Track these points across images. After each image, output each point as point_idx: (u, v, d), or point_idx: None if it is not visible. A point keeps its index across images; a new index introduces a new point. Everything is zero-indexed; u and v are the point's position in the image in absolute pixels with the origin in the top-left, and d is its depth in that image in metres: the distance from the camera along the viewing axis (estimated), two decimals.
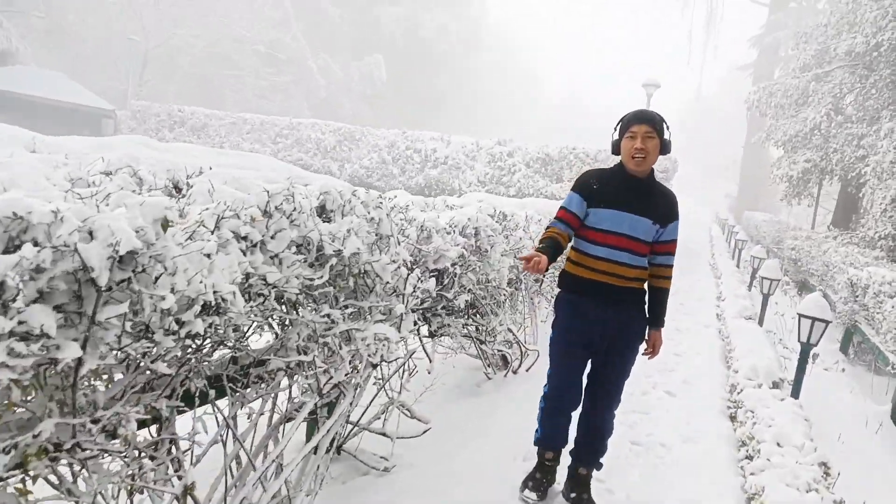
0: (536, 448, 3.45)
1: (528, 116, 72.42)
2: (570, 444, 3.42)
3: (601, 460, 3.38)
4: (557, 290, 3.37)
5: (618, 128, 3.11)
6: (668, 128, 3.04)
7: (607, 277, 3.04)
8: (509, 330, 5.10)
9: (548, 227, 3.12)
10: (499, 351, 5.09)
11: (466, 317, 4.61)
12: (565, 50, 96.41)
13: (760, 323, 7.86)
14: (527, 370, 5.57)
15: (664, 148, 3.02)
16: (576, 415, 3.36)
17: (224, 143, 23.86)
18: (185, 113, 25.35)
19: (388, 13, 48.27)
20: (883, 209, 12.16)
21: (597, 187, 3.07)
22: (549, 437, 3.36)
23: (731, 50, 49.27)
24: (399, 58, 48.94)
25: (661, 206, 3.07)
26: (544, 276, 3.31)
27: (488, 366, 5.34)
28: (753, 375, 4.99)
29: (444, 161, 21.29)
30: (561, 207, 3.16)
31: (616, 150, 3.11)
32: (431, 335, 4.41)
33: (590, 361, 3.27)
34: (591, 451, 3.33)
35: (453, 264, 3.73)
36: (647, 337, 3.24)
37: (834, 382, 7.65)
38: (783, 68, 34.14)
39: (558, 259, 3.07)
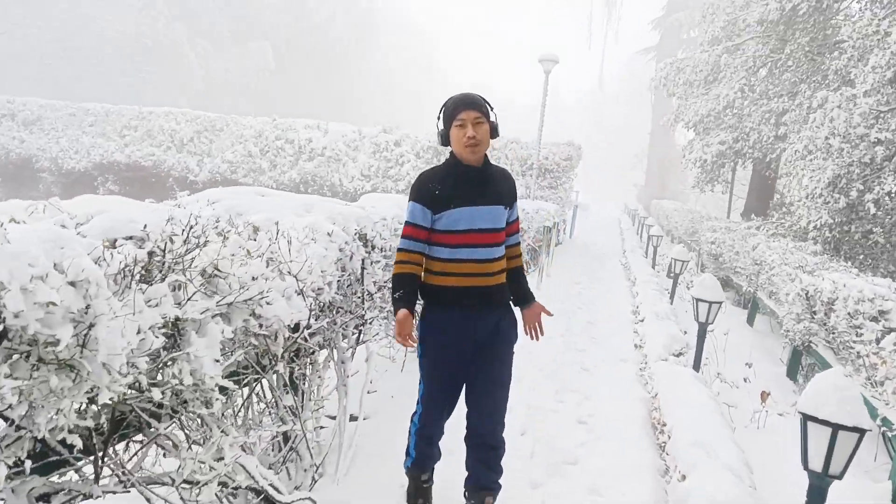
0: (409, 474, 3.15)
1: (432, 110, 69.96)
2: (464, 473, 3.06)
3: (500, 481, 3.03)
4: (421, 304, 2.97)
5: (440, 116, 2.85)
6: (492, 109, 2.84)
7: (475, 280, 2.81)
8: (243, 467, 2.51)
9: (397, 257, 2.88)
10: None
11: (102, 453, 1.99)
12: (469, 41, 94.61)
13: (697, 366, 5.51)
14: None
15: (493, 131, 2.84)
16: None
17: (61, 138, 20.21)
18: (16, 105, 21.21)
19: None
20: (818, 194, 10.23)
21: (439, 190, 2.79)
22: (422, 460, 3.07)
23: (634, 36, 48.34)
24: (287, 47, 45.45)
25: (506, 189, 2.93)
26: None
27: None
28: None
29: (322, 152, 18.40)
30: (406, 223, 2.86)
31: (445, 141, 2.87)
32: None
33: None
34: (488, 474, 2.99)
35: None
36: (523, 321, 3.01)
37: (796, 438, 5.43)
38: (686, 50, 32.98)
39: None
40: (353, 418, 4.06)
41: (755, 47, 15.82)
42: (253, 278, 2.44)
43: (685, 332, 7.74)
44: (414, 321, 2.78)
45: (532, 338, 3.04)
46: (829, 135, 9.91)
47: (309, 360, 3.37)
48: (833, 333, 6.00)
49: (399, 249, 2.87)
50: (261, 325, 2.56)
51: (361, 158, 18.24)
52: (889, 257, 10.46)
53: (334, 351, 3.70)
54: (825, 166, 10.16)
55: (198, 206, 3.00)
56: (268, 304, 2.55)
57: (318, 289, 3.00)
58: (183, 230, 2.16)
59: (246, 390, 2.79)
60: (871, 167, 9.92)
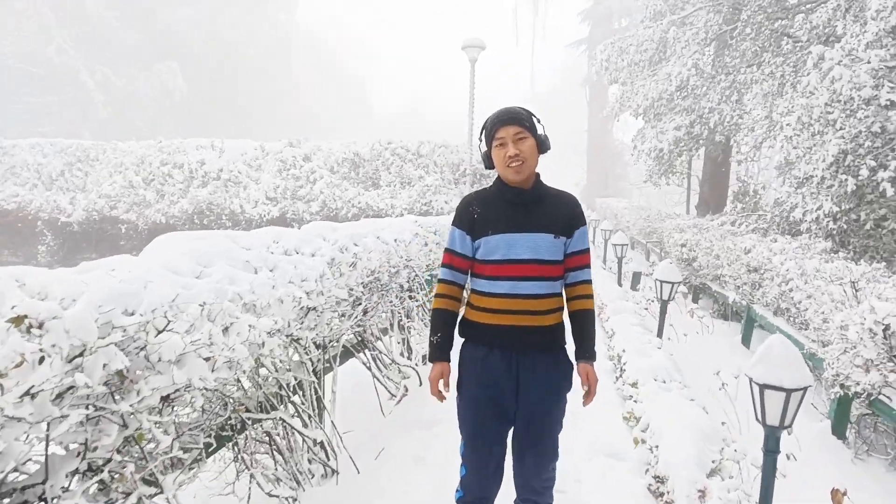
0: None
1: (362, 131, 67.30)
2: None
3: None
4: (461, 342, 2.56)
5: (482, 137, 2.53)
6: (539, 121, 2.49)
7: (516, 318, 2.37)
8: None
9: (436, 289, 2.56)
10: None
11: None
12: (398, 59, 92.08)
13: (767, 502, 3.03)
14: None
15: (542, 146, 2.49)
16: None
17: None
18: None
19: (179, 16, 41.35)
20: (819, 177, 8.08)
21: (479, 213, 2.48)
22: None
23: (563, 31, 46.77)
24: (199, 66, 42.27)
25: (560, 214, 2.45)
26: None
27: None
28: None
29: (218, 175, 15.62)
30: (445, 250, 2.56)
31: (489, 163, 2.55)
32: None
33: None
34: None
35: None
36: (576, 375, 2.50)
37: None
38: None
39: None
40: None
41: (706, 17, 13.81)
42: None
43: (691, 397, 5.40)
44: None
45: (586, 402, 2.45)
46: (829, 101, 7.78)
47: None
48: None
49: (438, 280, 2.57)
50: None
51: (265, 179, 15.53)
52: None
53: None
54: (825, 141, 8.02)
55: None
56: None
57: None
58: None
59: None
60: (883, 138, 7.85)
